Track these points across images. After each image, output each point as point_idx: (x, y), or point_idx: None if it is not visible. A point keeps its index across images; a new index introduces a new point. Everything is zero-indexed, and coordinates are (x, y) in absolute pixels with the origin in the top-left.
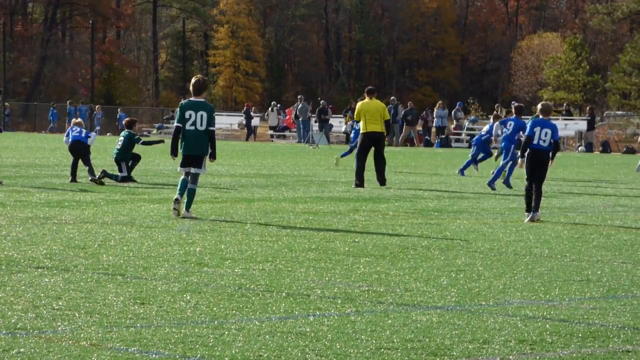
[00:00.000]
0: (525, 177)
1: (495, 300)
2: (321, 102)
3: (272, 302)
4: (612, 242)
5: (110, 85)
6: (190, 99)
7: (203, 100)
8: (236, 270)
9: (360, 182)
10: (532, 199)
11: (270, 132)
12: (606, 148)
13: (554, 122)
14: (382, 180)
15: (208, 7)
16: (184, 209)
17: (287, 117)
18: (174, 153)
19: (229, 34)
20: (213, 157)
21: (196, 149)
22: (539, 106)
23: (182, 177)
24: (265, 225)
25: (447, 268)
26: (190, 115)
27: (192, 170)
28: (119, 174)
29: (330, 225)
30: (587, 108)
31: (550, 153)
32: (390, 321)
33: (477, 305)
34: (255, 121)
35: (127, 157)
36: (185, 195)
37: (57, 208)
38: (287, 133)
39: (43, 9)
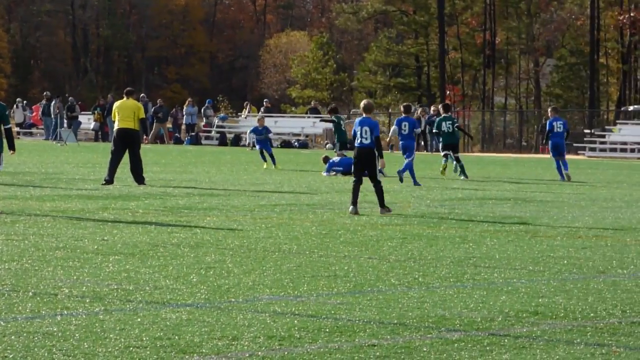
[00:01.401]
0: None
1: (245, 297)
2: (69, 99)
3: (18, 302)
4: (359, 238)
5: None
6: None
7: None
8: None
9: (110, 179)
10: (358, 194)
11: (17, 129)
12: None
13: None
14: (139, 179)
15: None
16: None
17: (34, 114)
18: None
19: None
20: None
21: None
22: (362, 105)
23: None
24: (12, 224)
25: (197, 265)
26: None
27: None
28: None
29: (78, 223)
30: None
31: (376, 150)
32: (139, 319)
33: (226, 302)
34: None
35: None
36: None
37: None
38: (33, 130)
39: None
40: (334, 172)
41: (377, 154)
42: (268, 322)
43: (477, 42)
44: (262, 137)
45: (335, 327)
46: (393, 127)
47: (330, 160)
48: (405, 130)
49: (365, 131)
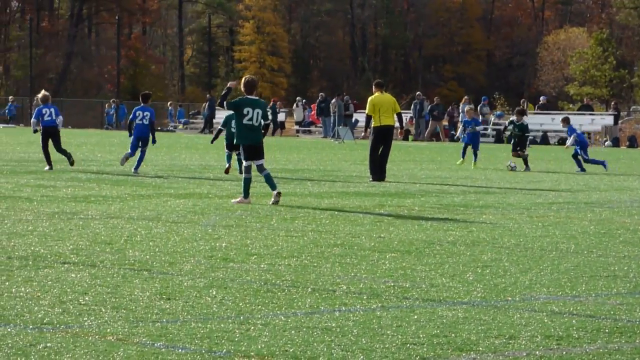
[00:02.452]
0: None
1: (522, 296)
2: (344, 97)
3: (297, 298)
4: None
5: (136, 81)
6: (247, 96)
7: (257, 98)
8: (262, 266)
9: (376, 176)
10: None
11: (296, 127)
12: (633, 143)
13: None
14: (382, 175)
15: (234, 2)
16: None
17: (312, 113)
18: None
19: (255, 29)
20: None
21: (256, 140)
22: None
23: (245, 176)
24: (291, 221)
25: (473, 264)
26: (248, 111)
27: (256, 163)
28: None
29: (355, 220)
30: (612, 103)
31: None
32: (415, 317)
33: (503, 300)
34: (282, 116)
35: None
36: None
37: (83, 203)
38: (312, 128)
39: (69, 5)
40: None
41: None
42: (545, 322)
43: None
44: (471, 129)
45: (615, 327)
46: None
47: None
48: None
49: None
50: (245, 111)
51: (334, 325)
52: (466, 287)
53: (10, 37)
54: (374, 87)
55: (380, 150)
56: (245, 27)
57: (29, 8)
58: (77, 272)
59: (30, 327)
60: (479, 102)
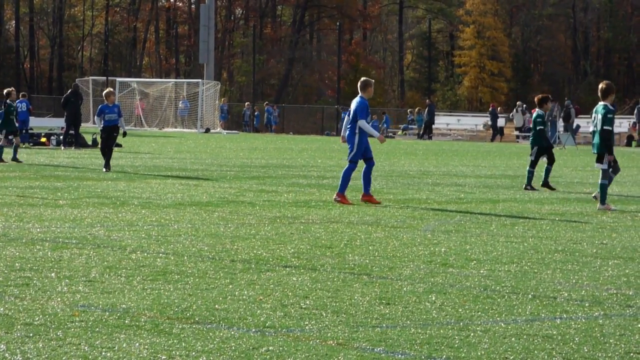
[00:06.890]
0: None
1: None
2: (565, 102)
3: (517, 304)
4: None
5: (356, 86)
6: None
7: None
8: (481, 272)
9: None
10: None
11: (516, 132)
12: None
13: None
14: None
15: (454, 7)
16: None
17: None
18: None
19: (475, 34)
20: None
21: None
22: None
23: (601, 182)
24: (511, 226)
25: None
26: None
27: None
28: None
29: (577, 227)
30: None
31: None
32: (639, 325)
33: None
34: (501, 122)
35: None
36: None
37: (304, 208)
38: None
39: (292, 12)
40: None
41: None
42: None
43: None
44: None
45: None
46: None
47: None
48: None
49: None
50: None
51: (554, 333)
52: None
53: (234, 43)
54: None
55: None
56: (466, 31)
57: (252, 15)
58: (298, 275)
59: (253, 330)
60: None
